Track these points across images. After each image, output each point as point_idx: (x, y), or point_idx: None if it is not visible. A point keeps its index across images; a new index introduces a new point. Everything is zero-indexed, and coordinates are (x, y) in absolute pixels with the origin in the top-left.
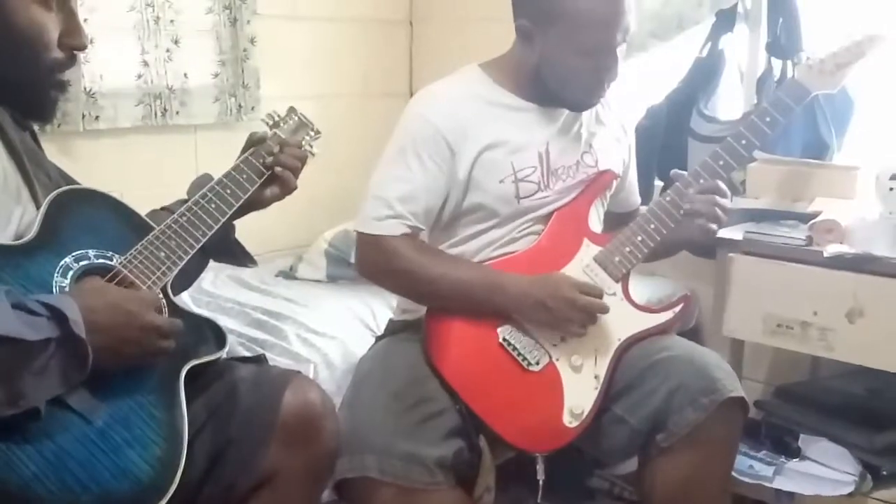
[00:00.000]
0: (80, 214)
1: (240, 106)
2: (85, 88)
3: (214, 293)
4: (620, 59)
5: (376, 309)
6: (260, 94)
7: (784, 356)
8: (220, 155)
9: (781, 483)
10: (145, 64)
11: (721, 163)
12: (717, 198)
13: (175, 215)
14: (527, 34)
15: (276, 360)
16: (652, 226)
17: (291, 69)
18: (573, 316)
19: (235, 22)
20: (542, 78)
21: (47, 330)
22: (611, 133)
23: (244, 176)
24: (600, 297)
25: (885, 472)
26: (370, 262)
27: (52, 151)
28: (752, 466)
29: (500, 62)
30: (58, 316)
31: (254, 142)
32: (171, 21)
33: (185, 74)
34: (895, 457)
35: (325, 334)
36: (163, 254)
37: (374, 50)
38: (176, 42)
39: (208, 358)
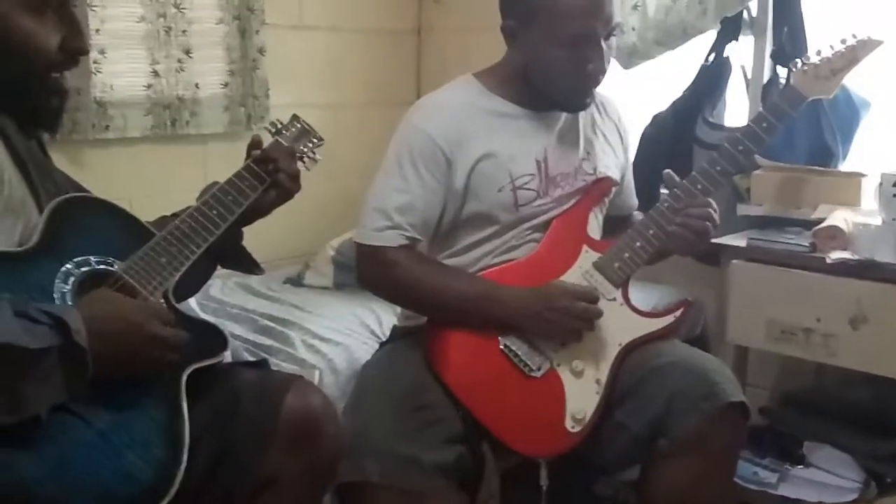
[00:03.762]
0: (82, 221)
1: (249, 115)
2: (95, 98)
3: (222, 300)
4: (607, 52)
5: (382, 316)
6: (269, 103)
7: (789, 363)
8: (229, 164)
9: (786, 490)
10: (156, 74)
11: (718, 168)
12: (709, 210)
13: (176, 221)
14: (513, 34)
15: (282, 365)
16: (651, 231)
17: (300, 79)
18: (570, 324)
19: (245, 32)
20: (531, 78)
21: (49, 338)
22: (608, 139)
23: (246, 183)
24: (596, 300)
25: (889, 480)
26: (370, 273)
27: (62, 160)
28: (756, 473)
29: (494, 70)
30: (60, 324)
31: (253, 145)
32: (183, 31)
33: (196, 84)
34: None
35: (330, 340)
36: (164, 259)
37: (382, 59)
38: (187, 52)
39: (209, 361)
